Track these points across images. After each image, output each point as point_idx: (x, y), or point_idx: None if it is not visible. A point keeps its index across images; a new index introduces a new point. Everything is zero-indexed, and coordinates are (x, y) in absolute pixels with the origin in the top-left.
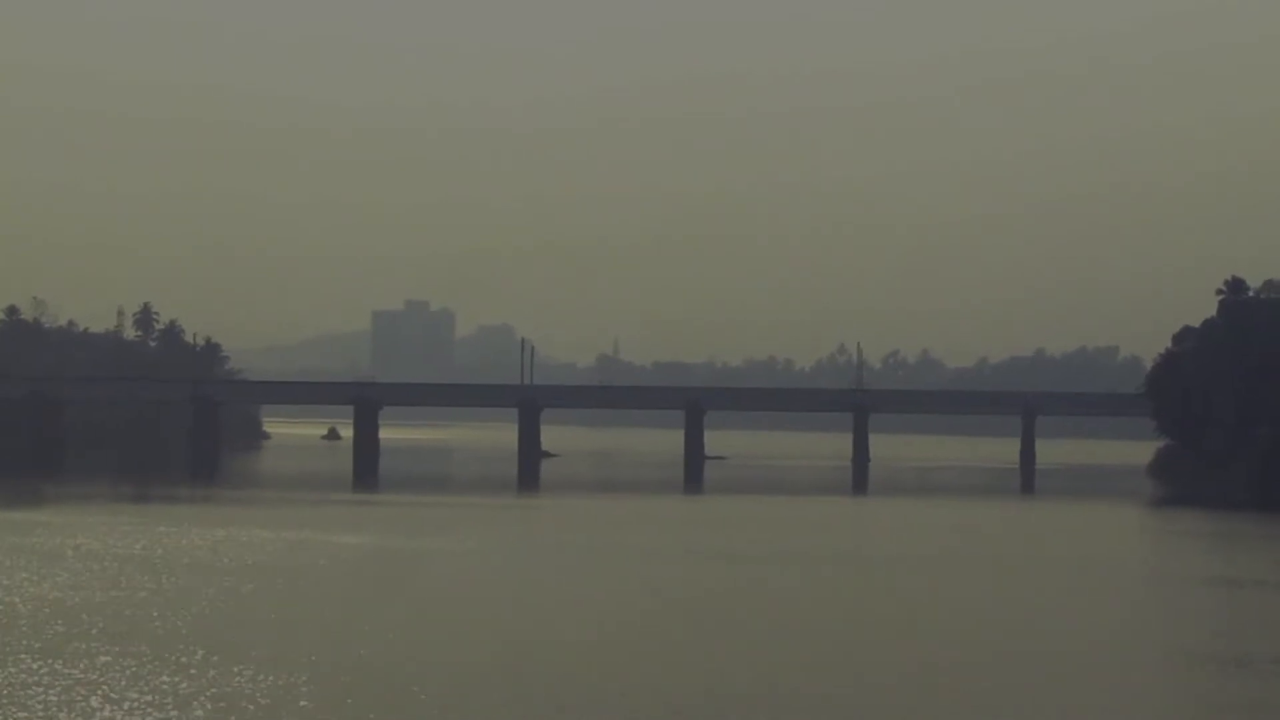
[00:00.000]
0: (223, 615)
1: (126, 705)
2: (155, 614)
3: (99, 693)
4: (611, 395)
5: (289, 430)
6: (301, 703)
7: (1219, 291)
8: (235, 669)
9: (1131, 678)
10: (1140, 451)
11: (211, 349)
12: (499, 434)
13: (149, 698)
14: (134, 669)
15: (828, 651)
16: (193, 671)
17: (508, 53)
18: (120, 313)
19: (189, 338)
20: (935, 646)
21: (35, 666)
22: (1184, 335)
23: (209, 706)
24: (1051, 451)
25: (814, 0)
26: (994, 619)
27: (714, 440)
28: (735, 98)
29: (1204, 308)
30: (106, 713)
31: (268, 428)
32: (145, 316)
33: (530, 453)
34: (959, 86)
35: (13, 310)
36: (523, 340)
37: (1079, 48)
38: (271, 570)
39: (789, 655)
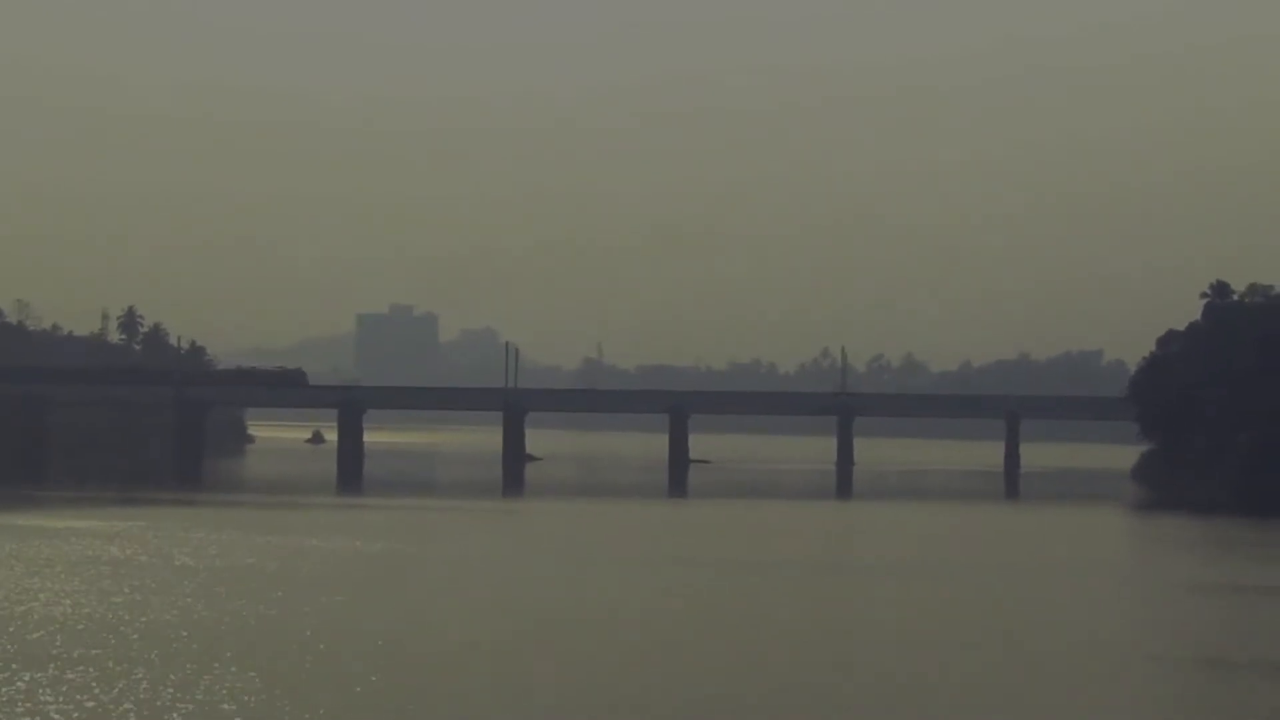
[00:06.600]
0: (202, 621)
1: (104, 712)
2: (138, 620)
3: (87, 702)
4: (596, 399)
5: (273, 434)
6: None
7: (1204, 295)
8: (215, 675)
9: (1113, 683)
10: (1125, 455)
11: (196, 352)
12: (483, 437)
13: (131, 704)
14: (118, 674)
15: (807, 660)
16: (170, 677)
17: (490, 53)
18: (104, 316)
19: (173, 341)
20: (918, 654)
21: (29, 678)
22: (1168, 339)
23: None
24: (1036, 455)
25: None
26: (977, 625)
27: (698, 444)
28: (721, 99)
29: (1189, 311)
30: None
31: (252, 430)
32: (129, 320)
33: (514, 456)
34: (945, 88)
35: None
36: (507, 344)
37: (1062, 49)
38: (251, 575)
39: (768, 665)
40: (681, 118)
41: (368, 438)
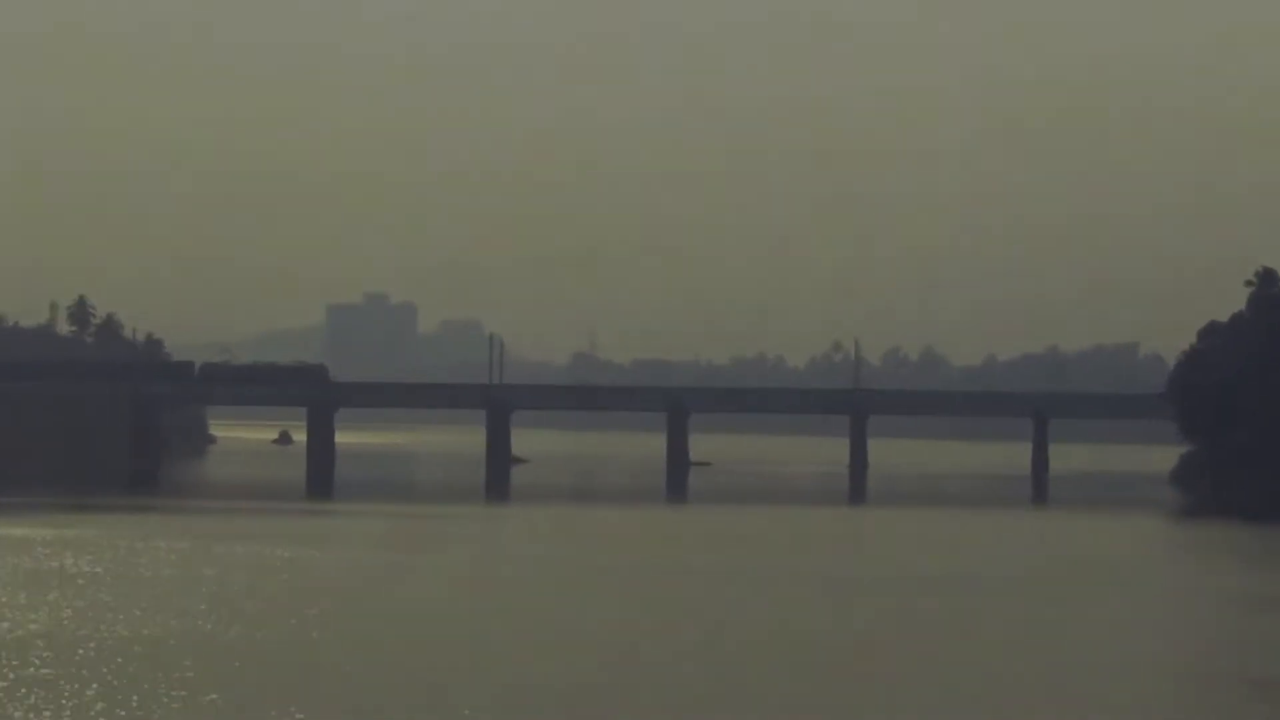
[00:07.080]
0: (154, 638)
1: None
2: (89, 637)
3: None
4: (588, 396)
5: (237, 434)
6: None
7: (1248, 283)
8: (168, 696)
9: (1159, 707)
10: (1163, 457)
11: (153, 345)
12: (465, 438)
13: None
14: (66, 694)
15: (821, 680)
16: (121, 698)
17: (474, 24)
18: (53, 306)
19: (128, 333)
20: (942, 675)
21: None
22: (1210, 331)
23: None
24: (1066, 457)
25: None
26: (1007, 644)
27: (699, 444)
28: (723, 81)
29: (1232, 301)
30: None
31: (214, 430)
32: (80, 310)
33: (499, 458)
34: (964, 71)
35: None
36: (491, 336)
37: (1089, 32)
38: (211, 588)
39: (780, 693)
40: (680, 104)
41: (339, 438)
